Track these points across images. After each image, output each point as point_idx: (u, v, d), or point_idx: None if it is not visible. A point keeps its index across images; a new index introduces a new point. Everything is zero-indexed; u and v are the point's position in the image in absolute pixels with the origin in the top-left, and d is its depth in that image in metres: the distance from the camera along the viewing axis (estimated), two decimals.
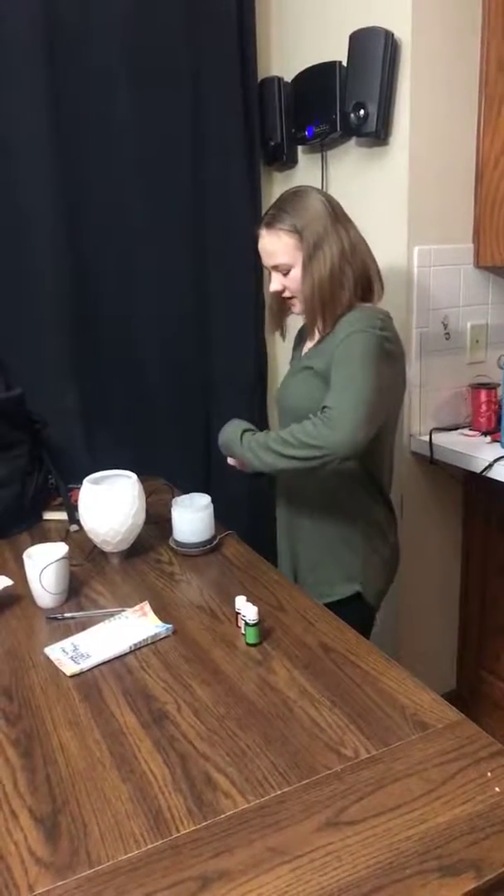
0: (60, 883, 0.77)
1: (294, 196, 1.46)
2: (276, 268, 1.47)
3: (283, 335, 1.64)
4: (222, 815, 0.85)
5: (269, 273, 1.51)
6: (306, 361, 1.51)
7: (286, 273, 1.46)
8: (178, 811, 0.86)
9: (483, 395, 2.02)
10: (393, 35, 1.79)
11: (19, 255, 1.94)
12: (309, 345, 1.56)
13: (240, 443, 1.47)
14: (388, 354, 1.38)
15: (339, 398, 1.32)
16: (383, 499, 1.55)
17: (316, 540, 1.55)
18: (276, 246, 1.45)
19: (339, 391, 1.34)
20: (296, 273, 1.45)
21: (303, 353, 1.58)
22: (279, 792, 0.88)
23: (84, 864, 0.79)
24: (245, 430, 1.49)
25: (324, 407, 1.34)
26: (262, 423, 2.35)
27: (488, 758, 0.92)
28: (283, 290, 1.49)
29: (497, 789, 0.86)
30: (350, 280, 1.42)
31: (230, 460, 1.58)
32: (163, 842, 0.81)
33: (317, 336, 1.51)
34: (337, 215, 1.44)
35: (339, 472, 1.40)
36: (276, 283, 1.49)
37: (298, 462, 1.35)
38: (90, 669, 1.15)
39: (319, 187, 2.12)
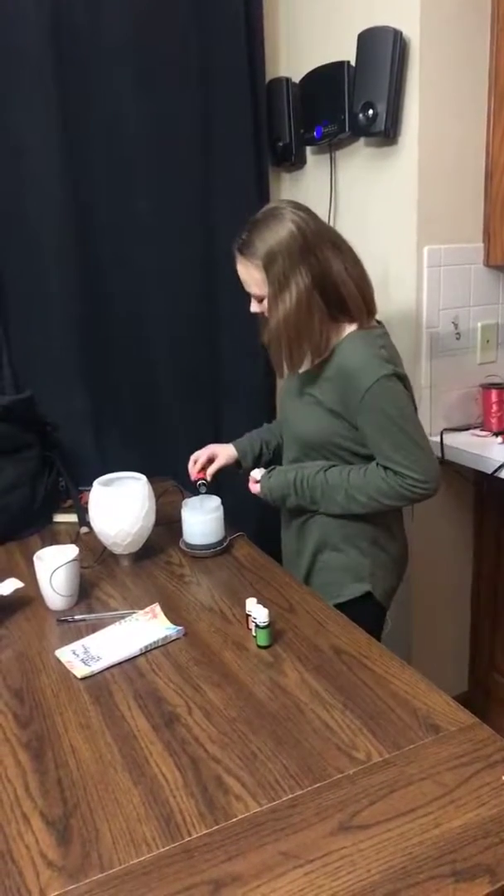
0: (72, 887, 0.76)
1: (265, 221, 1.39)
2: (249, 294, 1.46)
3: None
4: (234, 819, 0.84)
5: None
6: (307, 387, 1.48)
7: (260, 300, 1.45)
8: (189, 815, 0.85)
9: (494, 396, 2.00)
10: (401, 34, 1.78)
11: (28, 258, 1.94)
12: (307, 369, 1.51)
13: (295, 492, 1.50)
14: (411, 396, 1.43)
15: (417, 461, 1.38)
16: None
17: (323, 541, 1.54)
18: (245, 276, 1.43)
19: (408, 451, 1.38)
20: (266, 303, 1.43)
21: (299, 374, 1.52)
22: (291, 795, 0.87)
23: (96, 867, 0.79)
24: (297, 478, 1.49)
25: (397, 471, 1.38)
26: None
27: (502, 761, 0.91)
28: (262, 313, 1.46)
29: None
30: (321, 308, 1.39)
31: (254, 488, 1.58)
32: (174, 846, 0.81)
33: (306, 364, 1.47)
34: (307, 241, 1.36)
35: None
36: (254, 306, 1.48)
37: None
38: (101, 672, 1.15)
39: (328, 188, 2.12)
